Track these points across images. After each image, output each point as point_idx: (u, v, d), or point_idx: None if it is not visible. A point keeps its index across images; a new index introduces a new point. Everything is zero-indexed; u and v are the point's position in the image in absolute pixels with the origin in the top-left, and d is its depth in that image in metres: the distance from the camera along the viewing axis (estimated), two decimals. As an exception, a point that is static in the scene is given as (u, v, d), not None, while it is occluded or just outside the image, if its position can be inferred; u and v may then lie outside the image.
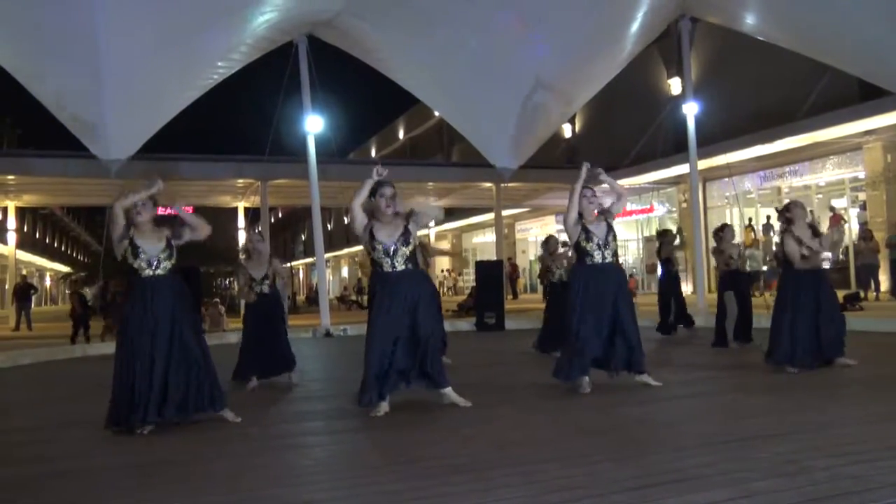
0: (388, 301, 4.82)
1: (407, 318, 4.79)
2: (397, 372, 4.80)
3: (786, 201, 6.52)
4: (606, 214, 5.59)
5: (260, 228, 19.65)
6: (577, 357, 5.41)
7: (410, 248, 4.91)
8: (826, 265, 6.45)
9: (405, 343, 4.80)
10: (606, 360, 5.49)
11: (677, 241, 10.88)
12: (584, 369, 5.45)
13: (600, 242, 5.46)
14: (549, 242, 8.80)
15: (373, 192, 4.89)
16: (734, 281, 8.45)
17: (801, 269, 6.19)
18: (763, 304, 8.26)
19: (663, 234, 10.20)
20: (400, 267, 4.86)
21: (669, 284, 10.04)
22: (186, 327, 4.67)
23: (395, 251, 4.84)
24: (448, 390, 4.96)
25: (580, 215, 5.55)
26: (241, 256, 7.16)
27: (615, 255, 5.57)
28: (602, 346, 5.44)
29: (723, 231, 8.63)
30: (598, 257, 5.47)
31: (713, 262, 9.20)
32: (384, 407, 4.76)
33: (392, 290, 4.83)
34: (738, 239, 9.23)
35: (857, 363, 6.24)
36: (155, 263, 4.66)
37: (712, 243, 9.12)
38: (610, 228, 5.54)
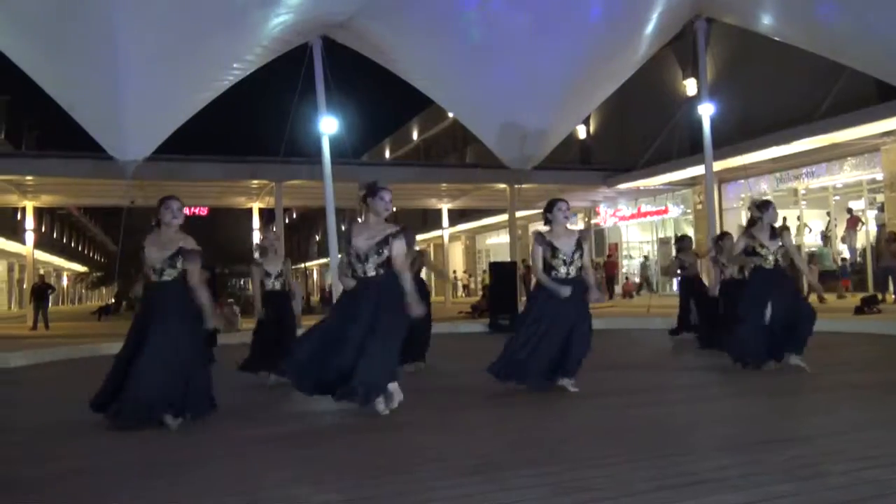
0: (347, 303, 4.85)
1: (363, 324, 4.72)
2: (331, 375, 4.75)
3: (765, 198, 6.74)
4: (581, 235, 5.73)
5: (275, 228, 19.75)
6: (519, 363, 5.51)
7: (384, 257, 4.82)
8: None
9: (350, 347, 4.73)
10: (552, 372, 5.56)
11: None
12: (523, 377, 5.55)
13: (565, 258, 5.58)
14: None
15: (372, 193, 4.87)
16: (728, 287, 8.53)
17: (759, 269, 6.48)
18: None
19: (681, 240, 10.16)
20: (371, 273, 4.82)
21: (684, 288, 9.99)
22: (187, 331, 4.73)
23: (368, 257, 4.81)
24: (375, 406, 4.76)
25: (542, 234, 5.68)
26: (256, 254, 7.22)
27: (579, 270, 5.64)
28: (549, 361, 5.51)
29: (722, 240, 8.62)
30: (562, 272, 5.58)
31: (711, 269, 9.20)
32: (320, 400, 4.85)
33: (358, 294, 4.81)
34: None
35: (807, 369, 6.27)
36: (159, 269, 4.74)
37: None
38: (579, 246, 5.63)
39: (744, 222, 19.14)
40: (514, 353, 5.58)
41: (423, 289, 7.83)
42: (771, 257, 6.43)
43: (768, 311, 6.34)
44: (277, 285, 6.87)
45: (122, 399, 4.57)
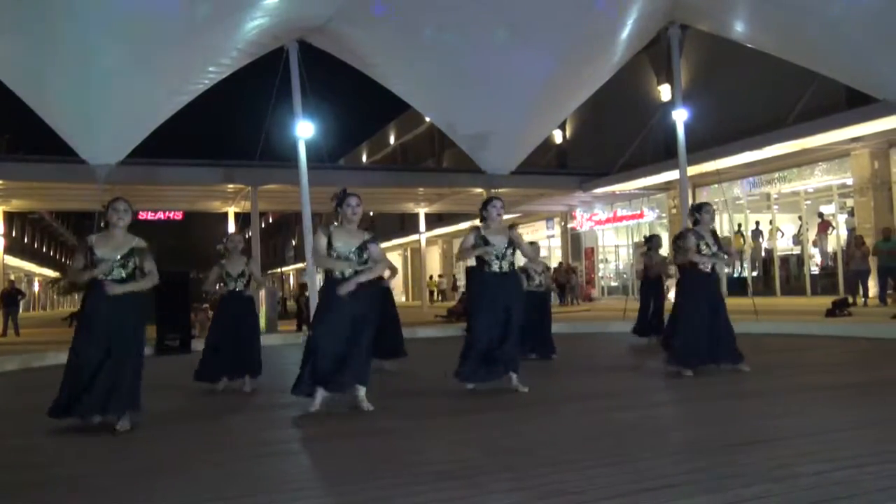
0: (333, 303, 5.10)
1: (349, 320, 5.09)
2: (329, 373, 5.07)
3: (700, 202, 6.86)
4: (511, 233, 6.02)
5: (250, 233, 19.67)
6: (476, 360, 5.79)
7: (363, 260, 5.19)
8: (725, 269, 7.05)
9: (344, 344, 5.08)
10: (497, 361, 5.82)
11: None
12: (488, 374, 5.82)
13: (498, 254, 5.88)
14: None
15: (340, 202, 5.22)
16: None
17: (696, 271, 6.47)
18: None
19: (649, 239, 10.31)
20: (348, 273, 5.15)
21: (646, 287, 10.14)
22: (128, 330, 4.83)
23: (348, 259, 5.16)
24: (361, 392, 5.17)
25: (479, 228, 6.00)
26: (220, 250, 7.14)
27: (512, 265, 5.97)
28: (495, 348, 5.81)
29: (681, 238, 8.78)
30: (495, 266, 5.88)
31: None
32: (317, 402, 5.08)
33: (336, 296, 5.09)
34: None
35: (749, 370, 6.38)
36: (111, 269, 4.84)
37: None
38: (510, 243, 5.93)
39: (718, 226, 19.45)
40: (474, 354, 5.82)
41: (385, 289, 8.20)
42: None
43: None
44: (240, 286, 6.77)
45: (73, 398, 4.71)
